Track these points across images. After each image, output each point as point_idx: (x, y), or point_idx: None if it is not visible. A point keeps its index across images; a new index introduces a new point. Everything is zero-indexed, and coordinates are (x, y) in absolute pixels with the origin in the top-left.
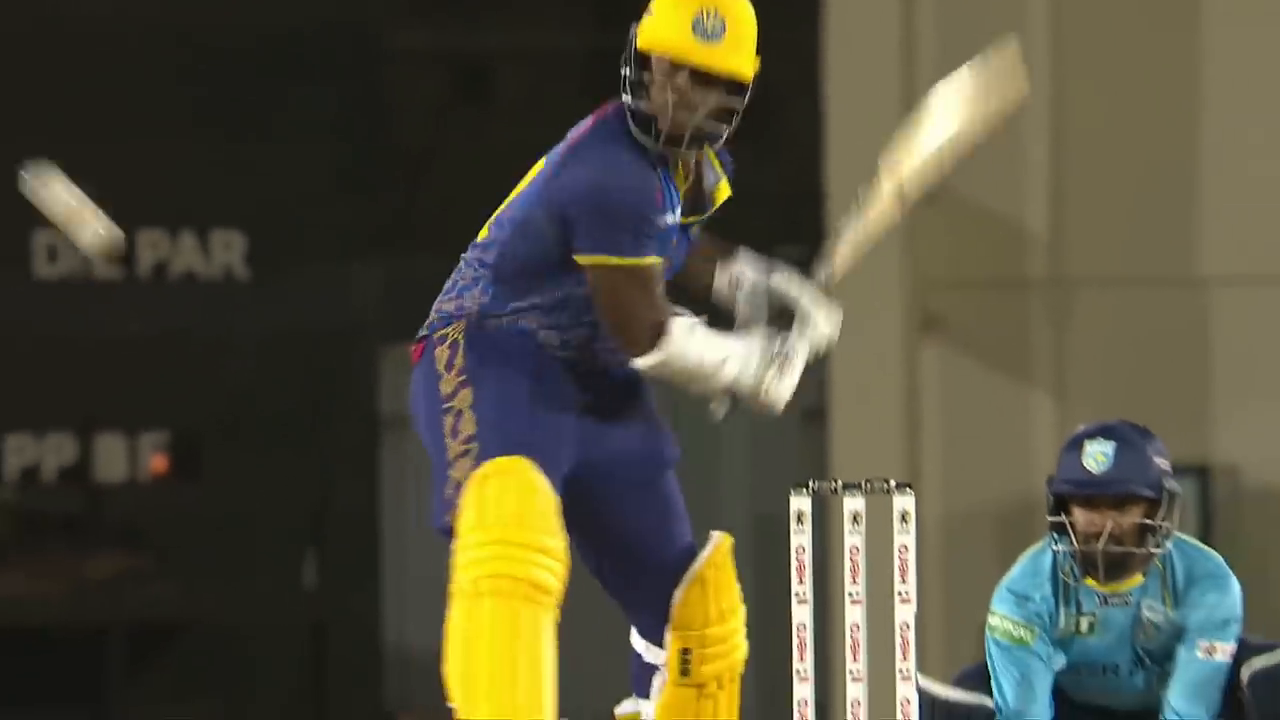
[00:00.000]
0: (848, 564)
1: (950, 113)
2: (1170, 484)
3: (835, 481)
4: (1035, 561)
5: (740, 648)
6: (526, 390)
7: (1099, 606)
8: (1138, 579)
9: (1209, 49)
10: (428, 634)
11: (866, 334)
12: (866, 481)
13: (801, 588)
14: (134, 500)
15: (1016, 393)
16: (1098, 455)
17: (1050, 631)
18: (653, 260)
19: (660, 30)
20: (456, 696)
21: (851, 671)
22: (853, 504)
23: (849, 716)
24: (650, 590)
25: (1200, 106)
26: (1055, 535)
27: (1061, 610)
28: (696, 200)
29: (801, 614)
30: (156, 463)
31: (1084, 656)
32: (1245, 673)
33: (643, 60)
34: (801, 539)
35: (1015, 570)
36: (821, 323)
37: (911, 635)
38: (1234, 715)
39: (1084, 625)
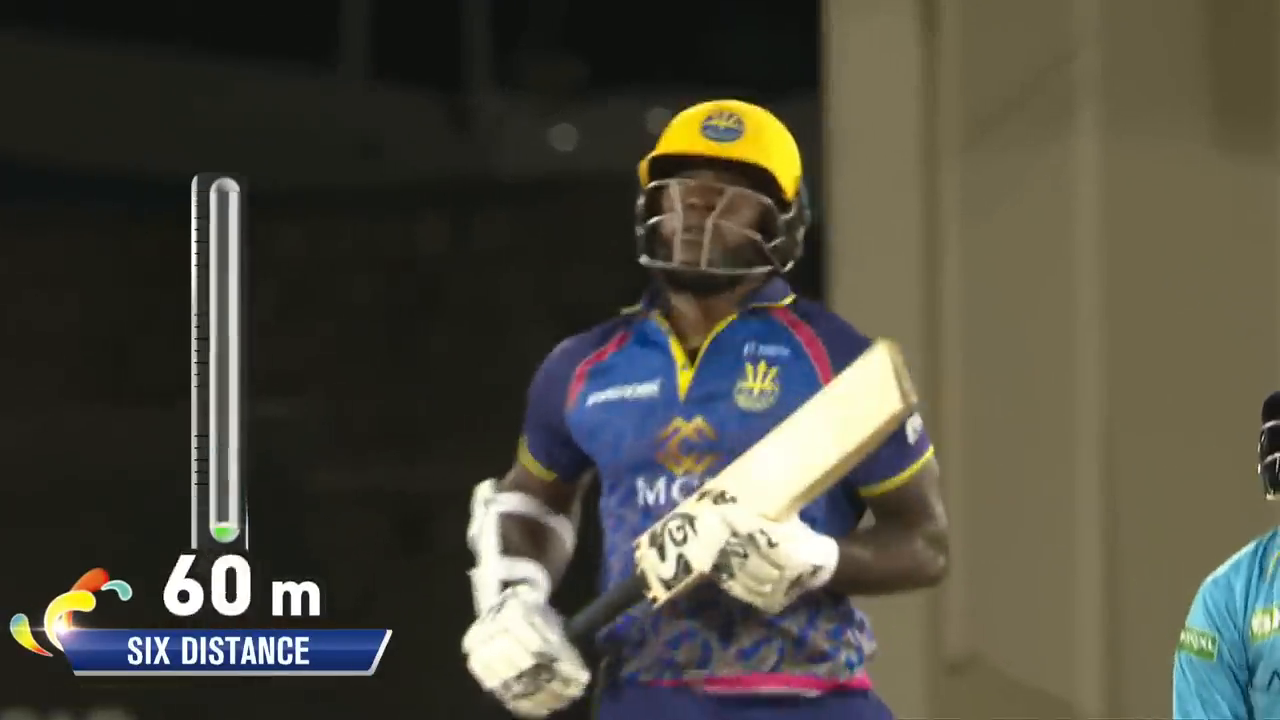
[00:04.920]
0: None
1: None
2: None
3: None
4: (1240, 557)
5: None
6: None
7: None
8: None
9: None
10: None
11: None
12: None
13: None
14: None
15: None
16: None
17: (1242, 631)
18: (521, 446)
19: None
20: None
21: None
22: None
23: None
24: None
25: None
26: (1270, 480)
27: (1259, 605)
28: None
29: None
30: None
31: None
32: None
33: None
34: None
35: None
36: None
37: None
38: None
39: None
